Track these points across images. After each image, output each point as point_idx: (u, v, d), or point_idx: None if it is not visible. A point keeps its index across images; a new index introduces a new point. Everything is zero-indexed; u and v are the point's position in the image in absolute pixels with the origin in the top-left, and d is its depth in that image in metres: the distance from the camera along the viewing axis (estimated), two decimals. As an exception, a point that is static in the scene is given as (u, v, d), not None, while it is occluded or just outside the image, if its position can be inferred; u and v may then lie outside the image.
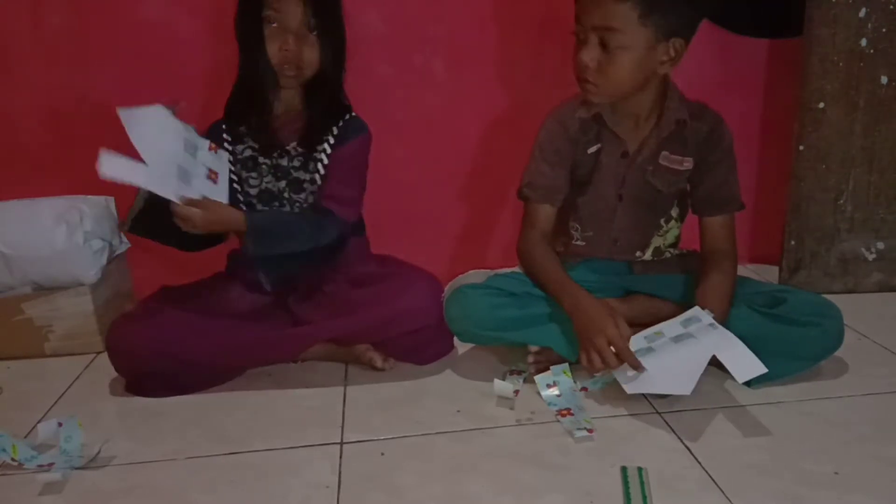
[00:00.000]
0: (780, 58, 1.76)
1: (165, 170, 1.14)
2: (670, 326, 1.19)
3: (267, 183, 1.33)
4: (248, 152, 1.33)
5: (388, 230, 1.36)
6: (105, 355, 1.31)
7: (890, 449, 1.05)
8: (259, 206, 1.34)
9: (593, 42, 1.16)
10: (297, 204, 1.34)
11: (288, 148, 1.32)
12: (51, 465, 1.08)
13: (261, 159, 1.33)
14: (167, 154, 1.15)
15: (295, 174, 1.33)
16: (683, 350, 1.13)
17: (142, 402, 1.28)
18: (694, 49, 1.17)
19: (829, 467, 1.01)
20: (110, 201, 1.62)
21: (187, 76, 1.45)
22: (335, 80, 1.32)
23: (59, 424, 1.12)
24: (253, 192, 1.34)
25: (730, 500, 0.95)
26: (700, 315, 1.18)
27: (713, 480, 0.99)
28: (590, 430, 1.11)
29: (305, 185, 1.33)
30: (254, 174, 1.33)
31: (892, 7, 1.55)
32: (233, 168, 1.32)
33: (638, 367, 1.13)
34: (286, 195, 1.33)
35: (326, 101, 1.32)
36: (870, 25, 1.56)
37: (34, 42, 1.56)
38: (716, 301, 1.22)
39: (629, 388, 1.14)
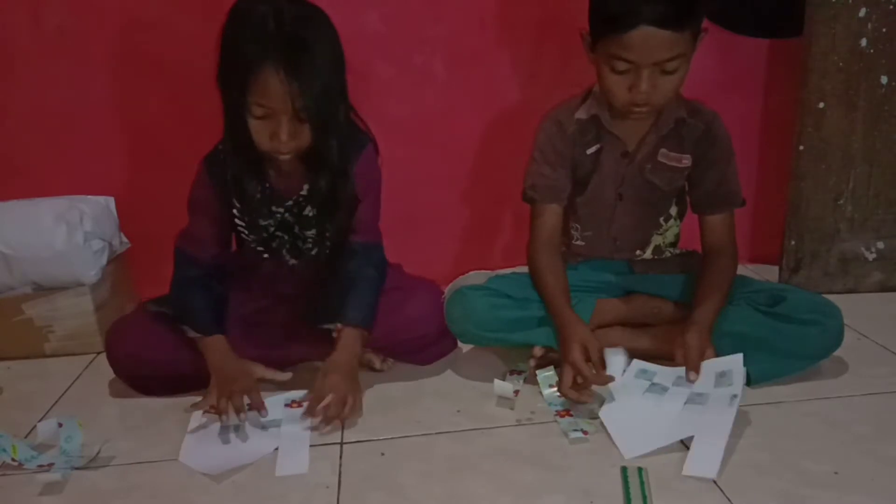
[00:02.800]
0: (780, 58, 1.76)
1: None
2: (707, 375, 1.13)
3: (280, 225, 1.27)
4: (259, 197, 1.25)
5: (388, 231, 1.36)
6: (105, 355, 1.31)
7: (890, 449, 1.05)
8: (266, 248, 1.29)
9: (653, 72, 1.12)
10: (309, 240, 1.28)
11: (299, 194, 1.25)
12: (51, 465, 1.08)
13: (274, 208, 1.26)
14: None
15: (306, 212, 1.27)
16: (681, 416, 1.10)
17: (142, 402, 1.28)
18: (694, 49, 1.17)
19: (829, 467, 1.01)
20: (110, 201, 1.62)
21: (187, 76, 1.45)
22: (337, 142, 1.17)
23: (59, 424, 1.12)
24: (267, 229, 1.27)
25: (730, 500, 0.95)
26: (737, 376, 1.10)
27: (713, 480, 0.99)
28: (584, 432, 1.11)
29: (315, 220, 1.27)
30: (270, 221, 1.26)
31: (892, 7, 1.55)
32: (242, 216, 1.27)
33: (604, 381, 1.13)
34: (296, 230, 1.28)
35: (329, 163, 1.19)
36: (870, 25, 1.56)
37: (34, 42, 1.56)
38: (709, 304, 1.22)
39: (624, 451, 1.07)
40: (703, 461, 1.01)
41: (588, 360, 1.15)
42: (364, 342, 1.25)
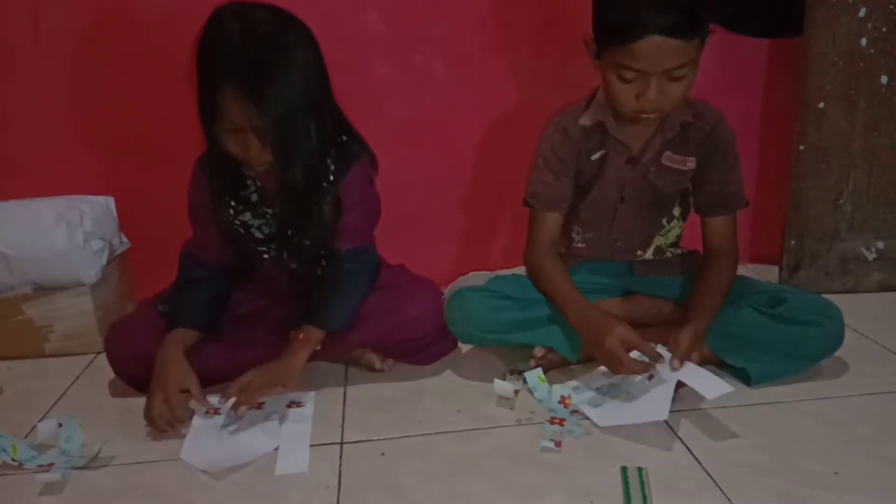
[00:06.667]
0: (780, 58, 1.76)
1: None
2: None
3: (274, 229, 1.27)
4: (254, 197, 1.25)
5: (387, 231, 1.36)
6: (105, 355, 1.31)
7: (890, 449, 1.05)
8: (267, 249, 1.29)
9: (661, 79, 1.10)
10: (306, 245, 1.27)
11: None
12: (51, 465, 1.08)
13: (265, 208, 1.26)
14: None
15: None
16: (652, 384, 1.13)
17: (142, 402, 1.27)
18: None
19: (829, 467, 1.01)
20: (110, 201, 1.62)
21: (187, 77, 1.45)
22: (304, 162, 1.15)
23: (59, 424, 1.12)
24: (263, 234, 1.27)
25: (730, 500, 0.95)
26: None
27: (713, 480, 0.99)
28: (557, 444, 1.08)
29: (311, 228, 1.26)
30: (263, 221, 1.26)
31: (892, 7, 1.55)
32: (240, 218, 1.26)
33: (657, 358, 1.12)
34: (294, 240, 1.27)
35: (294, 182, 1.17)
36: (870, 25, 1.56)
37: (34, 42, 1.56)
38: (706, 306, 1.22)
39: (601, 422, 1.13)
40: (712, 385, 1.09)
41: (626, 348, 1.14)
42: (325, 344, 1.24)
